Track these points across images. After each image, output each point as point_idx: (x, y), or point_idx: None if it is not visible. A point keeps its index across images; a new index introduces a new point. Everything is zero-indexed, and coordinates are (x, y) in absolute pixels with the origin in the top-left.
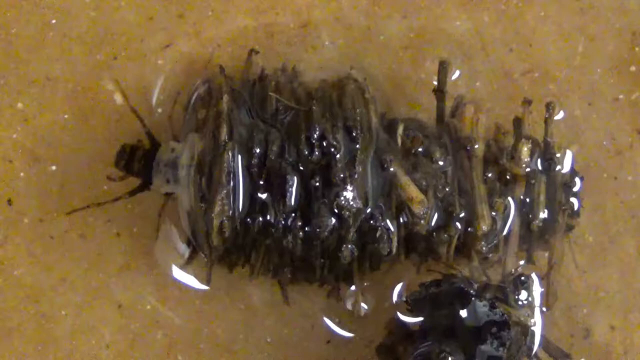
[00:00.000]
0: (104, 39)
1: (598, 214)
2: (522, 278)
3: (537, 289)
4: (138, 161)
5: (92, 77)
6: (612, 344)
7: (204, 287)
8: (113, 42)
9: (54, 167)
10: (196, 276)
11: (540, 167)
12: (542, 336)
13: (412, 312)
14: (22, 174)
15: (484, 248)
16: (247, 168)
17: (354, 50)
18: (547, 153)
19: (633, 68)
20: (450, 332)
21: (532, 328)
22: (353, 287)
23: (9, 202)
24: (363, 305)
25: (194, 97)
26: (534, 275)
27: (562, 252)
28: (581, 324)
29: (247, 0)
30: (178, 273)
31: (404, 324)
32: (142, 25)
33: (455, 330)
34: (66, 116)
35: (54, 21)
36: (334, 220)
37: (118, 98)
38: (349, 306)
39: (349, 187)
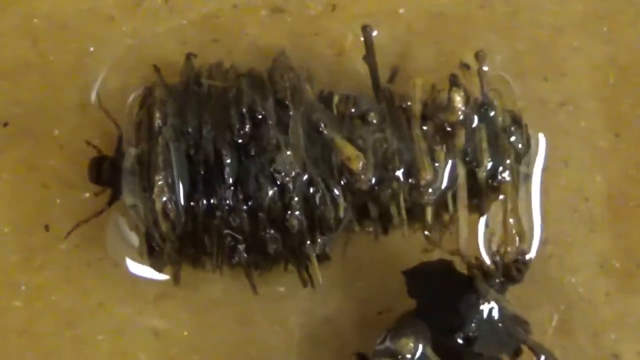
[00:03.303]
0: (139, 65)
1: (624, 241)
2: (524, 259)
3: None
4: (106, 172)
5: (125, 102)
6: None
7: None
8: (148, 67)
9: (87, 194)
10: (153, 269)
11: (477, 116)
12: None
13: (408, 287)
14: (58, 201)
15: (430, 197)
16: (184, 152)
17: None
18: (483, 100)
19: None
20: (443, 310)
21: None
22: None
23: (46, 228)
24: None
25: (130, 100)
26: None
27: (515, 197)
28: (609, 350)
29: (282, 23)
30: (133, 266)
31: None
32: (175, 51)
33: (446, 309)
34: (98, 141)
35: (91, 49)
36: (274, 188)
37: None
38: None
39: (285, 152)
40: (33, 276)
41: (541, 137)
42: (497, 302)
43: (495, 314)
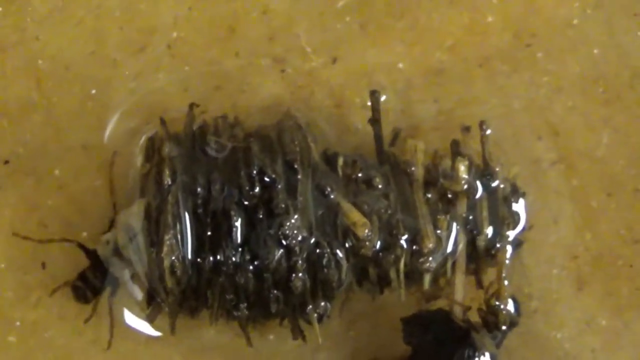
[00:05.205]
0: (140, 109)
1: (612, 299)
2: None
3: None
4: (95, 281)
5: (126, 144)
6: None
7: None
8: (149, 111)
9: (85, 234)
10: (147, 320)
11: (480, 184)
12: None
13: (404, 334)
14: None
15: (431, 265)
16: (192, 210)
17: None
18: (485, 169)
19: None
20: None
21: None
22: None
23: (43, 265)
24: None
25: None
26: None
27: (510, 267)
28: None
29: (282, 75)
30: (131, 319)
31: None
32: (177, 96)
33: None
34: (97, 183)
35: (93, 91)
36: (281, 251)
37: None
38: None
39: (293, 216)
40: (28, 313)
41: (530, 196)
42: (492, 355)
43: None
